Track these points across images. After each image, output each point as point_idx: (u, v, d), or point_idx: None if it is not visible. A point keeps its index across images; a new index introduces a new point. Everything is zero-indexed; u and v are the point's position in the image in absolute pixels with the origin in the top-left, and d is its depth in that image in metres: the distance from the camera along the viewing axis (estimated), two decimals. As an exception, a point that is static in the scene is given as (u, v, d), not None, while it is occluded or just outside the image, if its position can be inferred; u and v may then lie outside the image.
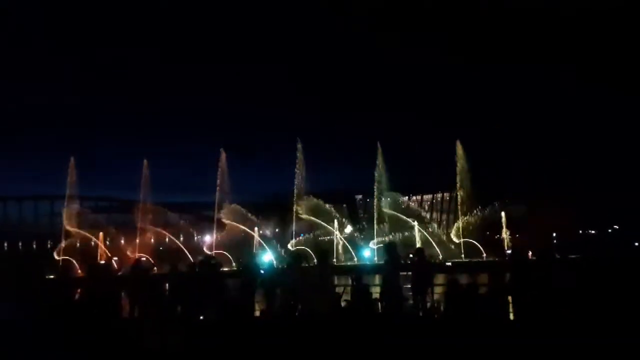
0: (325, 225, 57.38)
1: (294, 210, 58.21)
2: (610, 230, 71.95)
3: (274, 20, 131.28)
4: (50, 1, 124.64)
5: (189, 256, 46.39)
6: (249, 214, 57.54)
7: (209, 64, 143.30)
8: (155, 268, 15.46)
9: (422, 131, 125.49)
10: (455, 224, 60.19)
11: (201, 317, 11.96)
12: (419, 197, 68.15)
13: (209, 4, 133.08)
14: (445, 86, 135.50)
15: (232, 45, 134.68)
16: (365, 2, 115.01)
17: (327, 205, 59.08)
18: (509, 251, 50.80)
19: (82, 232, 58.02)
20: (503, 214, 55.70)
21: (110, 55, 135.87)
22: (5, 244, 76.48)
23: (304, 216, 56.22)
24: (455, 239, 57.13)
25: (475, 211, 57.01)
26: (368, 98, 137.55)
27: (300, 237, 58.06)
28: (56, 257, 55.84)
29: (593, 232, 72.05)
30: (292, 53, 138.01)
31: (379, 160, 58.82)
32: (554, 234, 61.57)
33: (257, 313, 12.86)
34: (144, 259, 14.35)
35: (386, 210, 58.52)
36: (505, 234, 55.79)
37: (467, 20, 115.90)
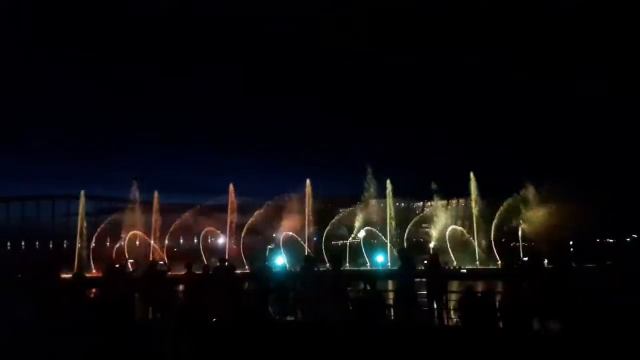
0: None
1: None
2: (628, 239, 70.69)
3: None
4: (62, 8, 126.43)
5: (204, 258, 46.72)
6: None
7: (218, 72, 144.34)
8: (170, 271, 15.52)
9: (436, 137, 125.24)
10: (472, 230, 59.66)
11: (214, 319, 11.94)
12: (433, 203, 67.41)
13: (213, 17, 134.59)
14: (456, 90, 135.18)
15: (245, 49, 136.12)
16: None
17: (341, 210, 59.04)
18: (525, 259, 50.19)
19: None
20: (520, 221, 55.07)
21: (126, 64, 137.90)
22: (23, 243, 77.63)
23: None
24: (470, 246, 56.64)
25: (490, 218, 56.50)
26: (381, 103, 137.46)
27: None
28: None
29: (611, 240, 70.86)
30: (300, 58, 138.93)
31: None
32: (571, 242, 60.71)
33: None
34: (161, 262, 14.47)
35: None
36: (520, 242, 55.15)
37: (467, 21, 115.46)
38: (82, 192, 61.44)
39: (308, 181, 59.56)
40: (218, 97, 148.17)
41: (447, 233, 59.04)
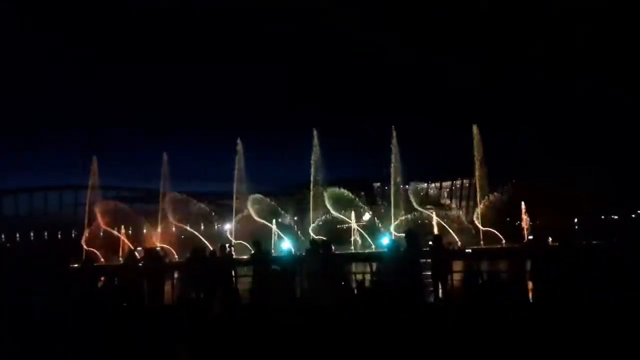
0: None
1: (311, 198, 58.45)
2: (633, 216, 70.54)
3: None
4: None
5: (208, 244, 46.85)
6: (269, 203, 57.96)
7: (224, 63, 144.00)
8: (168, 257, 15.67)
9: (438, 117, 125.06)
10: (475, 210, 59.58)
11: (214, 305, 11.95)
12: (438, 184, 67.54)
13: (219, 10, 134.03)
14: (460, 73, 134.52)
15: (247, 41, 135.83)
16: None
17: (345, 193, 58.97)
18: (530, 237, 50.13)
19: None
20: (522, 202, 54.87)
21: (130, 54, 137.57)
22: (32, 234, 78.33)
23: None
24: (474, 226, 56.57)
25: (493, 196, 56.33)
26: (383, 86, 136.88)
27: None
28: (84, 246, 56.58)
29: (616, 217, 70.75)
30: (303, 44, 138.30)
31: (394, 145, 58.39)
32: (576, 220, 60.65)
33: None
34: (158, 248, 14.53)
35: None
36: (525, 221, 55.01)
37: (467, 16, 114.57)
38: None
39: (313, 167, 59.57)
40: (218, 96, 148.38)
41: (451, 213, 59.01)
